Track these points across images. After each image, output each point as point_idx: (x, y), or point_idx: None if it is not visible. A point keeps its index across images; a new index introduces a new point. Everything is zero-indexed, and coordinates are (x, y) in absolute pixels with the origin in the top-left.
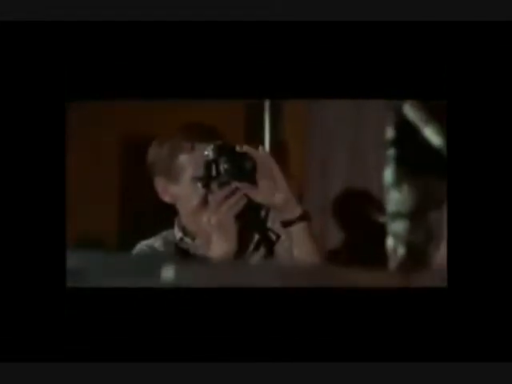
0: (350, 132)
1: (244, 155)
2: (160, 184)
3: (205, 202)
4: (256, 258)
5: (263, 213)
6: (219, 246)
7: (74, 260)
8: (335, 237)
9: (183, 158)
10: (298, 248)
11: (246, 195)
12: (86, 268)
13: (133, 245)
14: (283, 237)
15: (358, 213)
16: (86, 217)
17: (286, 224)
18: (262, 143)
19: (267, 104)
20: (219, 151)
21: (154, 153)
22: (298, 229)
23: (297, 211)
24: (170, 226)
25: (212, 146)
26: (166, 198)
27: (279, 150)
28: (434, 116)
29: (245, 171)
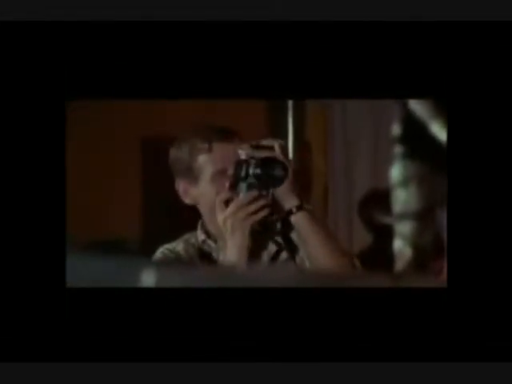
0: (372, 130)
1: (276, 161)
2: (181, 186)
3: (227, 201)
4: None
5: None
6: (231, 250)
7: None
8: (361, 235)
9: (202, 159)
10: (303, 237)
11: (270, 201)
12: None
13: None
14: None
15: (381, 213)
16: (93, 217)
17: (287, 214)
18: (285, 144)
19: (290, 105)
20: (253, 152)
21: (173, 154)
22: (298, 218)
23: (294, 201)
24: (188, 228)
25: (246, 146)
26: (187, 200)
27: (302, 151)
28: (440, 111)
29: (274, 178)
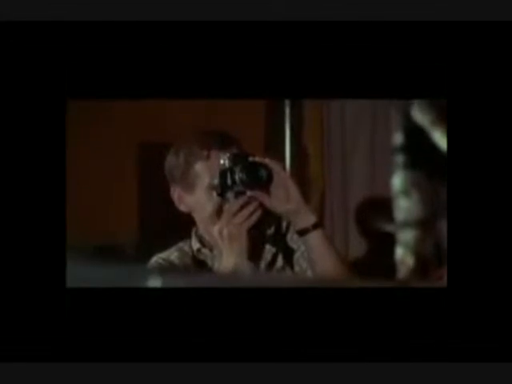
0: (369, 136)
1: (259, 164)
2: (176, 193)
3: (219, 211)
4: (273, 270)
5: (284, 224)
6: (228, 259)
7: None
8: (357, 243)
9: (199, 166)
10: (316, 256)
11: (259, 205)
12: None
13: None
14: (302, 247)
15: (377, 220)
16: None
17: (302, 232)
18: (283, 149)
19: (287, 110)
20: (235, 160)
21: (170, 161)
22: (314, 236)
23: (311, 219)
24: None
25: (228, 155)
26: (182, 207)
27: (299, 156)
28: (442, 118)
29: (260, 180)
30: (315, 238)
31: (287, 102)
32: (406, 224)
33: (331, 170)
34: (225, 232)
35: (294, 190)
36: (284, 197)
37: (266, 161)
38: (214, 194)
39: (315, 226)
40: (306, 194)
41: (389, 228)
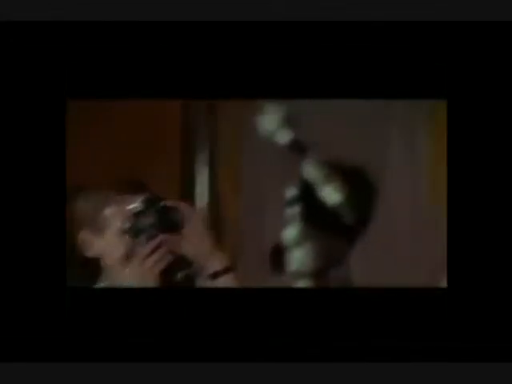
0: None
1: (171, 208)
2: (85, 238)
3: (130, 254)
4: None
5: (196, 268)
6: None
7: None
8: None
9: (110, 210)
10: None
11: (171, 248)
12: None
13: None
14: None
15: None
16: None
17: (213, 276)
18: (197, 193)
19: (204, 155)
20: (147, 203)
21: (79, 206)
22: (225, 280)
23: (222, 263)
24: None
25: (141, 198)
26: (90, 253)
27: (215, 200)
28: (333, 174)
29: (172, 224)
30: (226, 281)
31: (204, 146)
32: (298, 275)
33: (247, 215)
34: (136, 275)
35: (205, 234)
36: (196, 241)
37: (179, 205)
38: (126, 237)
39: (226, 270)
40: (220, 238)
41: (283, 278)
